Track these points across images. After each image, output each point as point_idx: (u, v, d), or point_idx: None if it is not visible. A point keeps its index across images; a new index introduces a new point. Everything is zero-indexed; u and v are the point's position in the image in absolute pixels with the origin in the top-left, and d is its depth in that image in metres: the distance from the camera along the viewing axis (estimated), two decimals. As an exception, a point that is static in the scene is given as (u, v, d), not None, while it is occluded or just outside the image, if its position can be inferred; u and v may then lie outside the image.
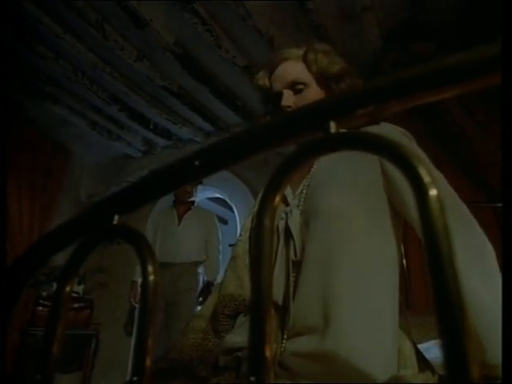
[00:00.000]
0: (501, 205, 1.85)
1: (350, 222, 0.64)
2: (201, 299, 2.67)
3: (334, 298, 0.60)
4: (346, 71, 0.81)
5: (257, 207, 0.28)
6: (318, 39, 2.25)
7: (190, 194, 2.82)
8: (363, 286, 0.61)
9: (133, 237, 0.35)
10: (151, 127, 3.26)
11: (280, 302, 0.64)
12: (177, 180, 0.36)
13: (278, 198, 0.27)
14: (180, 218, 2.76)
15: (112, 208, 0.37)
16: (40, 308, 2.54)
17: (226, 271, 0.76)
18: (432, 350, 1.07)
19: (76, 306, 2.61)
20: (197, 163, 0.33)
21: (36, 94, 2.80)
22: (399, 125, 0.74)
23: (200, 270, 2.80)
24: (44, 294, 2.64)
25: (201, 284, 2.81)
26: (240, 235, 0.78)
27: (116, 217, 0.36)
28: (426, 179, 0.25)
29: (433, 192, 0.25)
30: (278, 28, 2.24)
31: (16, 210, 3.12)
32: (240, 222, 3.58)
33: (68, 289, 0.35)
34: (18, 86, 2.68)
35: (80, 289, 2.91)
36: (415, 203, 0.26)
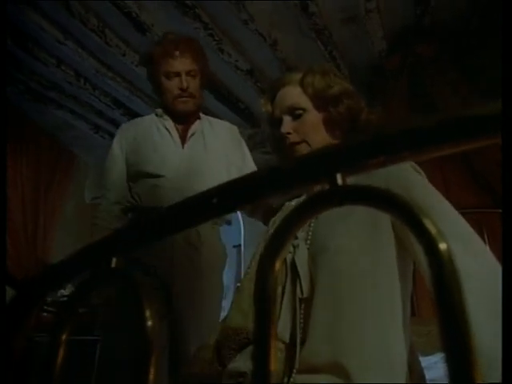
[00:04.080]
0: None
1: (358, 259, 0.63)
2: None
3: (343, 337, 0.59)
4: (345, 92, 0.78)
5: (258, 260, 0.27)
6: (321, 42, 2.24)
7: (196, 100, 1.43)
8: (372, 325, 0.60)
9: (129, 281, 0.34)
10: (154, 131, 3.25)
11: (287, 340, 0.63)
12: (192, 218, 0.34)
13: (281, 256, 0.26)
14: (183, 135, 1.45)
15: (110, 249, 0.36)
16: (45, 314, 2.54)
17: (231, 303, 0.75)
18: (440, 364, 1.05)
19: (80, 310, 2.61)
20: (215, 201, 0.31)
21: (39, 99, 2.81)
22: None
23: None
24: (49, 299, 2.65)
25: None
26: (249, 267, 0.76)
27: (114, 259, 0.35)
28: (440, 242, 0.23)
29: (443, 246, 0.24)
30: (281, 31, 2.22)
31: (20, 214, 3.13)
32: (243, 223, 3.56)
33: (64, 337, 0.34)
34: (21, 92, 2.69)
35: (84, 293, 2.90)
36: (426, 261, 0.25)
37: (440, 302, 0.24)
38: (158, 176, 1.34)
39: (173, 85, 1.37)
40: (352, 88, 0.79)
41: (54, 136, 3.37)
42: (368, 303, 0.61)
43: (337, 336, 0.59)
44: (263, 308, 0.26)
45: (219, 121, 1.58)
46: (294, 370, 0.60)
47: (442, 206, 0.64)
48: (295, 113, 0.77)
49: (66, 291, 2.58)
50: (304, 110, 0.78)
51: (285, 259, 0.67)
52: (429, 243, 0.24)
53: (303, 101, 0.78)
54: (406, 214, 0.24)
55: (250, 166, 1.52)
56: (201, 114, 1.49)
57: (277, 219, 0.82)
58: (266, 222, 0.99)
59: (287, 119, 0.78)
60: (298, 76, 0.81)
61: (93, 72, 2.50)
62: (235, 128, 1.57)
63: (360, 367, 0.56)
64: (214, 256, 1.39)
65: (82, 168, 3.79)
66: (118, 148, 1.46)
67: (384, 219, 0.65)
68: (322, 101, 0.77)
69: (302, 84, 0.79)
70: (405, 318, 0.64)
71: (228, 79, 2.60)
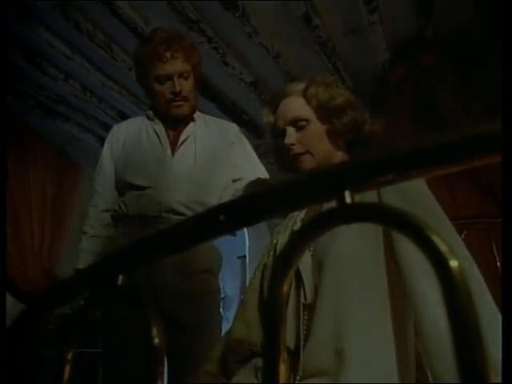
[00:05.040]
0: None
1: (360, 264, 0.63)
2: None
3: (346, 341, 0.59)
4: (349, 104, 0.79)
5: (269, 282, 0.26)
6: (324, 54, 2.25)
7: (190, 102, 1.35)
8: (375, 329, 0.60)
9: (136, 299, 0.34)
10: (159, 143, 3.28)
11: (292, 346, 0.63)
12: (199, 235, 0.34)
13: (289, 274, 0.25)
14: (174, 141, 1.35)
15: (117, 267, 0.35)
16: (50, 326, 2.53)
17: (235, 315, 0.75)
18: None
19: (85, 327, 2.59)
20: (222, 218, 0.31)
21: (48, 113, 2.85)
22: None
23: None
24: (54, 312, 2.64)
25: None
26: (252, 278, 0.77)
27: (121, 277, 0.35)
28: (450, 260, 0.23)
29: (454, 264, 0.24)
30: (285, 44, 2.24)
31: (27, 226, 3.15)
32: (248, 233, 3.54)
33: (70, 355, 0.34)
34: (31, 106, 2.74)
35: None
36: (438, 279, 0.25)
37: (453, 321, 0.24)
38: (143, 188, 1.27)
39: (165, 89, 1.28)
40: (355, 99, 0.80)
41: (61, 149, 3.41)
42: (369, 307, 0.61)
43: (341, 341, 0.59)
44: (273, 327, 0.25)
45: (216, 119, 1.48)
46: (298, 377, 0.60)
47: (438, 216, 0.64)
48: (299, 124, 0.78)
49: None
50: (307, 121, 0.78)
51: None
52: (439, 262, 0.24)
53: (307, 112, 0.79)
54: (415, 233, 0.24)
55: (253, 163, 1.42)
56: (196, 114, 1.40)
57: (280, 229, 0.83)
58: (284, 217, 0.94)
59: (291, 130, 0.78)
60: (300, 87, 0.81)
61: (99, 86, 2.54)
62: (234, 126, 1.47)
63: (363, 370, 0.56)
64: (203, 258, 1.28)
65: (87, 180, 3.82)
66: (109, 152, 1.40)
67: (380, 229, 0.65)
68: (325, 112, 0.78)
69: (305, 95, 0.79)
70: (408, 319, 0.63)
71: (232, 91, 2.63)
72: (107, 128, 3.07)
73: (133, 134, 1.40)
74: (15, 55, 2.24)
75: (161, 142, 1.35)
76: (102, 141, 3.24)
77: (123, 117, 2.93)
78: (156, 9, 2.00)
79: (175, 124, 1.37)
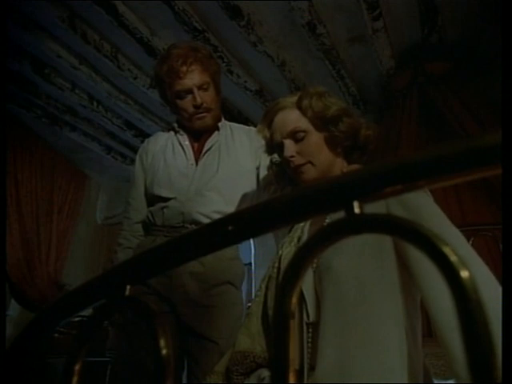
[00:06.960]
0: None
1: (362, 279, 0.62)
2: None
3: (350, 360, 0.57)
4: (344, 111, 0.80)
5: (277, 298, 0.26)
6: (329, 62, 2.26)
7: (213, 112, 1.35)
8: (379, 346, 0.58)
9: (143, 310, 0.34)
10: (165, 151, 3.30)
11: (297, 366, 0.61)
12: (207, 245, 0.33)
13: (298, 286, 0.25)
14: (198, 151, 1.38)
15: (125, 277, 0.35)
16: (57, 335, 2.54)
17: (241, 328, 0.74)
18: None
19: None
20: (230, 228, 0.31)
21: (55, 123, 2.89)
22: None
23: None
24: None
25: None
26: (258, 291, 0.76)
27: (128, 287, 0.35)
28: (460, 269, 0.23)
29: (465, 274, 0.24)
30: (289, 52, 2.26)
31: (34, 234, 3.17)
32: (254, 241, 3.54)
33: (77, 367, 0.33)
34: (38, 116, 2.77)
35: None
36: (448, 288, 0.24)
37: (465, 332, 0.23)
38: (167, 199, 1.30)
39: (186, 103, 1.29)
40: (348, 106, 0.82)
41: (68, 157, 3.44)
42: (374, 324, 0.59)
43: (345, 360, 0.57)
44: (281, 339, 0.25)
45: (242, 127, 1.49)
46: None
47: (447, 229, 0.63)
48: (297, 136, 0.79)
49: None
50: (305, 131, 0.79)
51: None
52: (450, 272, 0.24)
53: (304, 123, 0.80)
54: (425, 243, 0.24)
55: None
56: (221, 123, 1.40)
57: (285, 242, 0.82)
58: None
59: (289, 143, 0.79)
60: (293, 99, 0.82)
61: (105, 95, 2.56)
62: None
63: None
64: (224, 269, 1.26)
65: (93, 188, 3.84)
66: (139, 165, 1.44)
67: (387, 241, 0.64)
68: (321, 121, 0.79)
69: (299, 107, 0.80)
70: (414, 338, 0.62)
71: (237, 100, 2.64)
72: (113, 137, 3.10)
73: (160, 147, 1.43)
74: (23, 66, 2.28)
75: (185, 154, 1.36)
76: (108, 149, 3.27)
77: (129, 125, 2.96)
78: (162, 19, 2.03)
79: (200, 135, 1.39)
